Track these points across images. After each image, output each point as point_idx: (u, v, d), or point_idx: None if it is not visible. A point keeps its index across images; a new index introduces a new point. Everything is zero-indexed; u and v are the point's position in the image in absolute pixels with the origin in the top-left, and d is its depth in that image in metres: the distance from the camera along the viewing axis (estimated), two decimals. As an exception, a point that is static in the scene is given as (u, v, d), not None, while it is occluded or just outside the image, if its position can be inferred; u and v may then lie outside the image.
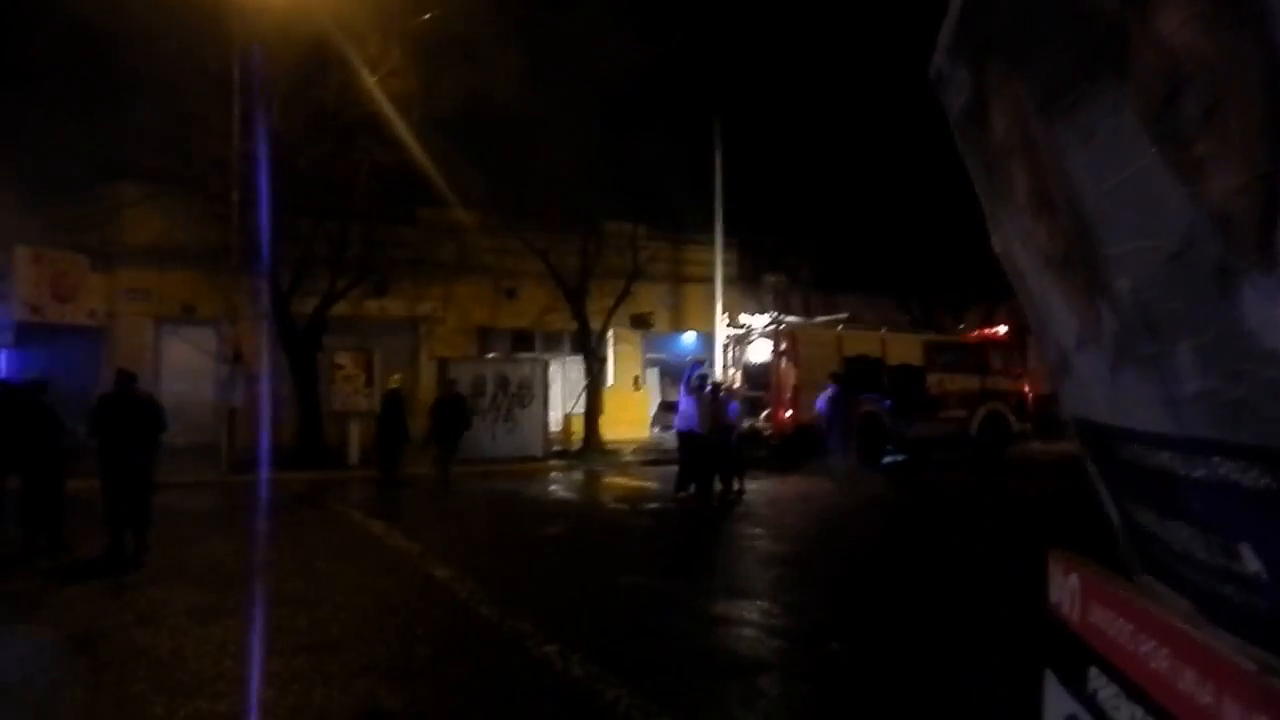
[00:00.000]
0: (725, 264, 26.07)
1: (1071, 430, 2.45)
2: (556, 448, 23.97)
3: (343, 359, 22.15)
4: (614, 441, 25.44)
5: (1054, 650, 2.89)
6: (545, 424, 23.19)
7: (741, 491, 16.99)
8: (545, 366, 23.83)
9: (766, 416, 22.38)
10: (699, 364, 18.09)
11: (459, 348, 26.20)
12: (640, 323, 28.57)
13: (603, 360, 26.03)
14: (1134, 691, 2.28)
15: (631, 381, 29.05)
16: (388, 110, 19.00)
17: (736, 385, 22.51)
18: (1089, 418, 2.20)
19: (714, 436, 16.70)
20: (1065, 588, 2.90)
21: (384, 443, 18.13)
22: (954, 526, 14.87)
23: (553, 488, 18.46)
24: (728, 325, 24.67)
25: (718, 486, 16.93)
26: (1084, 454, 2.46)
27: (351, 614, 8.62)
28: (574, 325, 24.64)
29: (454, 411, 18.15)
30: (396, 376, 19.05)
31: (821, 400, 19.62)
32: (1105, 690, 2.44)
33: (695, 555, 11.90)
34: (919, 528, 14.48)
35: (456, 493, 17.47)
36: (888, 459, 22.83)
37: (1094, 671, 2.61)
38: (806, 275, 29.58)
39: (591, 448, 23.85)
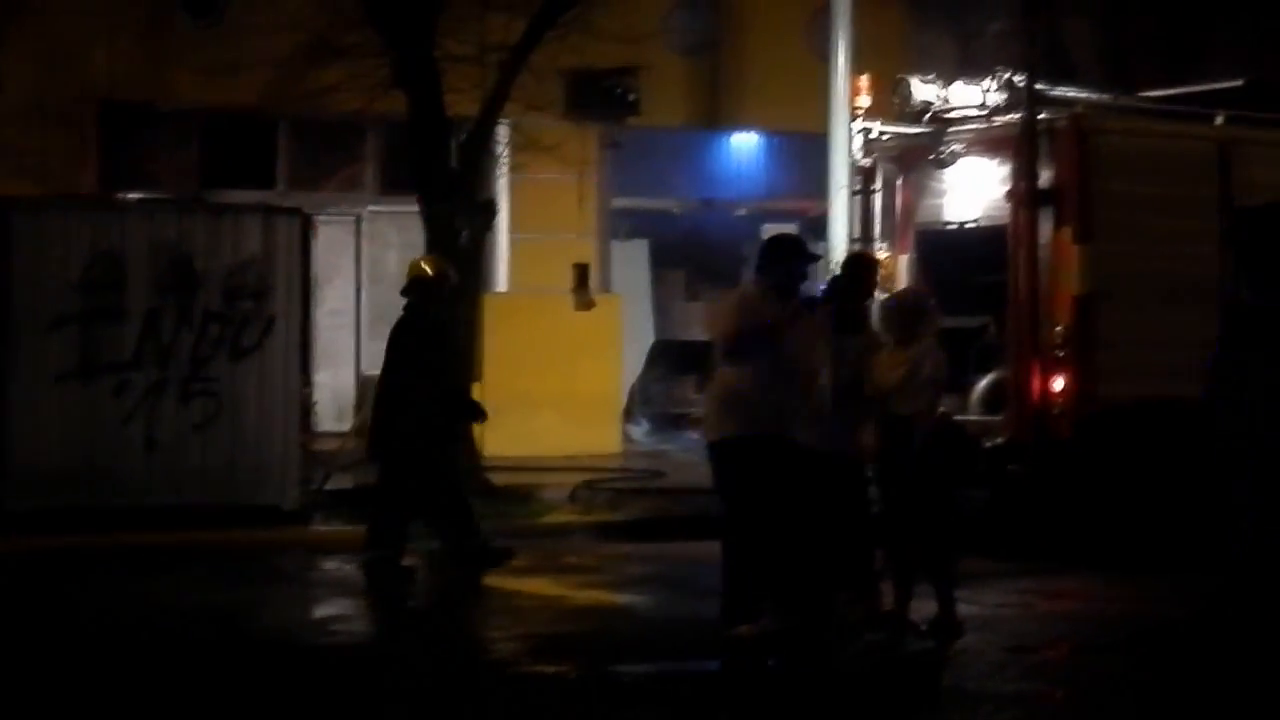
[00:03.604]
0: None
1: None
2: (335, 476, 11.62)
3: None
4: (515, 458, 12.88)
5: None
6: (302, 406, 10.81)
7: (952, 628, 7.68)
8: (304, 228, 10.91)
9: (993, 388, 10.57)
10: (798, 257, 7.73)
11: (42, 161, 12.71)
12: (596, 97, 14.49)
13: (485, 211, 12.31)
14: None
15: (572, 279, 15.06)
16: None
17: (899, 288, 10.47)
18: None
19: (851, 450, 7.72)
20: None
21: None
22: None
23: (319, 611, 9.31)
24: (861, 117, 11.77)
25: (850, 608, 7.83)
26: None
27: None
28: (394, 102, 11.76)
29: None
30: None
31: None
32: None
33: None
34: None
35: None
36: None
37: None
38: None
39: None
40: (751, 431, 7.09)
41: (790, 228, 13.91)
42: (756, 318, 7.23)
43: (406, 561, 8.62)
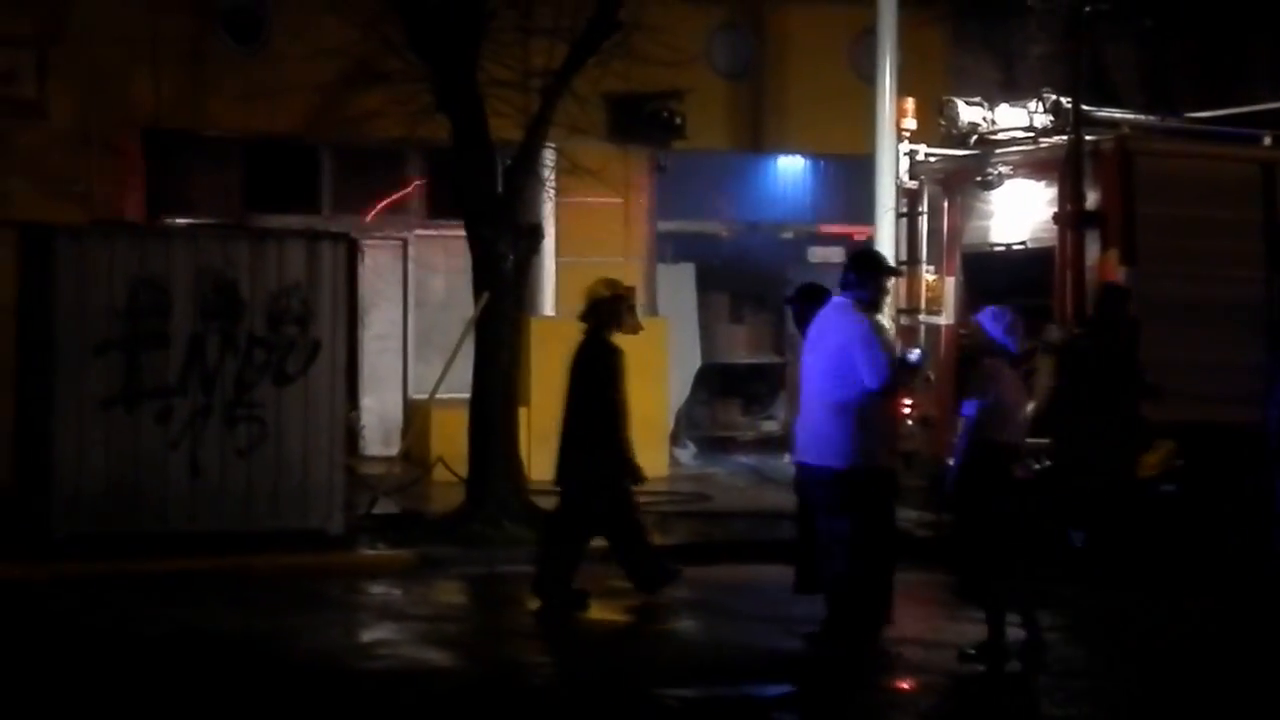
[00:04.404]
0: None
1: None
2: (381, 500, 11.34)
3: None
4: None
5: None
6: (345, 430, 10.66)
7: (1001, 652, 7.22)
8: (346, 252, 10.70)
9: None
10: (886, 272, 7.97)
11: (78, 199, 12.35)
12: (640, 121, 13.96)
13: (531, 235, 11.83)
14: None
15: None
16: None
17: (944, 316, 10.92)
18: None
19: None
20: None
21: None
22: None
23: (364, 635, 8.72)
24: (907, 139, 11.62)
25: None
26: None
27: None
28: (437, 127, 11.36)
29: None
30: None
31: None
32: None
33: None
34: None
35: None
36: None
37: None
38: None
39: (492, 497, 10.89)
40: (890, 463, 7.24)
41: (837, 250, 13.89)
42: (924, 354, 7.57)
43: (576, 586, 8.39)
